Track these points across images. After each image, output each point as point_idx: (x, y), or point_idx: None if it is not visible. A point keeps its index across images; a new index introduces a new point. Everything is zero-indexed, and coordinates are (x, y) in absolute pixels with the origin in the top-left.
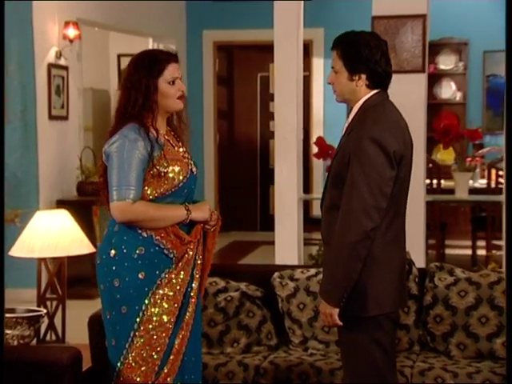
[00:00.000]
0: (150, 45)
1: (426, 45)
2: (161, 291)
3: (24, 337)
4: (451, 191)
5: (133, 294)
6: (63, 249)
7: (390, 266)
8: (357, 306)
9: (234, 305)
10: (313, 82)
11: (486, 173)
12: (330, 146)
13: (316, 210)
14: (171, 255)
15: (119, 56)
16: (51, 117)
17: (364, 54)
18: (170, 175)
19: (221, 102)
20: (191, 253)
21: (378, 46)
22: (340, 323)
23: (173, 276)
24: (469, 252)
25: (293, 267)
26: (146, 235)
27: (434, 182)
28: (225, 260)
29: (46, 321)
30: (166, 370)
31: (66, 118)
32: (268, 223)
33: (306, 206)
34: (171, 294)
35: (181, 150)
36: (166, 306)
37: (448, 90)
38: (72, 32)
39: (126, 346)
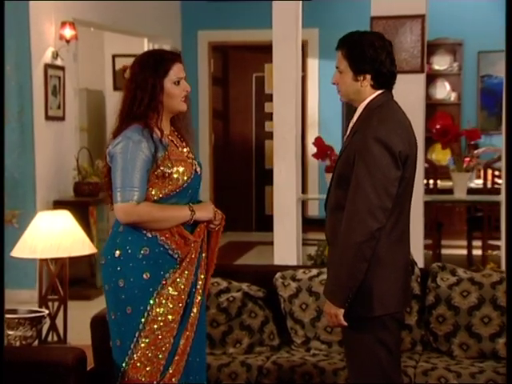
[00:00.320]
0: (145, 45)
1: (425, 45)
2: (165, 291)
3: (26, 337)
4: (447, 191)
5: (137, 295)
6: (65, 250)
7: (394, 266)
8: (362, 306)
9: (236, 305)
10: (308, 82)
11: (481, 173)
12: (329, 147)
13: (312, 211)
14: (176, 255)
15: (114, 56)
16: (48, 117)
17: (369, 54)
18: (175, 176)
19: (216, 102)
20: (195, 252)
21: (383, 46)
22: (345, 324)
23: (177, 276)
24: (464, 252)
25: (295, 267)
26: (150, 235)
27: (431, 182)
28: (220, 260)
29: (47, 322)
30: (170, 371)
31: (62, 118)
32: (263, 224)
33: (302, 206)
34: (176, 293)
35: (185, 150)
36: (171, 305)
37: (443, 91)
38: (68, 32)
39: (131, 346)
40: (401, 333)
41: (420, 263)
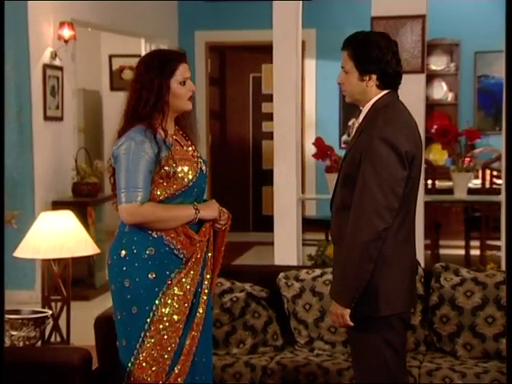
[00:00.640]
0: (143, 45)
1: (425, 45)
2: (171, 291)
3: (30, 338)
4: (445, 191)
5: (143, 295)
6: (68, 250)
7: (401, 266)
8: (368, 306)
9: (239, 305)
10: (305, 82)
11: (479, 173)
12: (329, 147)
13: (309, 211)
14: (181, 255)
15: (111, 57)
16: (46, 118)
17: (375, 54)
18: (180, 175)
19: (213, 102)
20: (200, 252)
21: (389, 46)
22: (351, 324)
23: (183, 276)
24: (461, 252)
25: (298, 268)
26: (156, 236)
27: (429, 182)
28: None
29: (50, 322)
30: (176, 371)
31: (60, 118)
32: (261, 224)
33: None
34: (181, 293)
35: (190, 149)
36: (177, 306)
37: (440, 91)
38: (67, 32)
39: (137, 346)
40: (406, 333)
41: (421, 263)
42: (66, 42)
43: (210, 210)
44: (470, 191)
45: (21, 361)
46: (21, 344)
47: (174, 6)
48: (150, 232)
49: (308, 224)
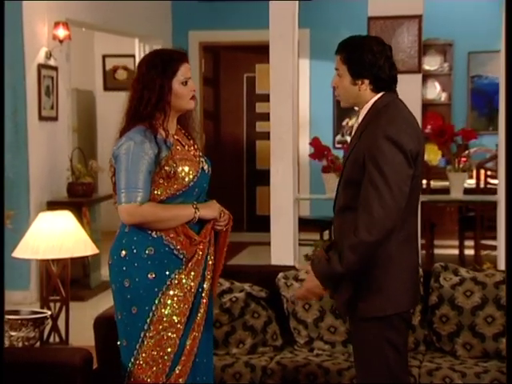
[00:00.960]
0: (136, 45)
1: (421, 45)
2: (171, 292)
3: (29, 338)
4: (439, 191)
5: (143, 295)
6: (67, 250)
7: (404, 264)
8: (373, 306)
9: (239, 305)
10: (299, 82)
11: (473, 173)
12: (326, 147)
13: (303, 211)
14: (181, 256)
15: (104, 56)
16: (41, 118)
17: (367, 59)
18: (180, 175)
19: (207, 102)
20: (201, 253)
21: (382, 51)
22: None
23: (183, 277)
24: (455, 252)
25: (297, 268)
26: (156, 236)
27: (424, 182)
28: None
29: (49, 322)
30: (177, 371)
31: (55, 118)
32: (255, 224)
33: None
34: (181, 294)
35: (191, 148)
36: (176, 306)
37: (433, 91)
38: (62, 32)
39: (137, 346)
40: (408, 332)
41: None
42: (61, 41)
43: (210, 209)
44: (465, 191)
45: (22, 361)
46: (20, 344)
47: (168, 5)
48: (150, 232)
49: (302, 224)
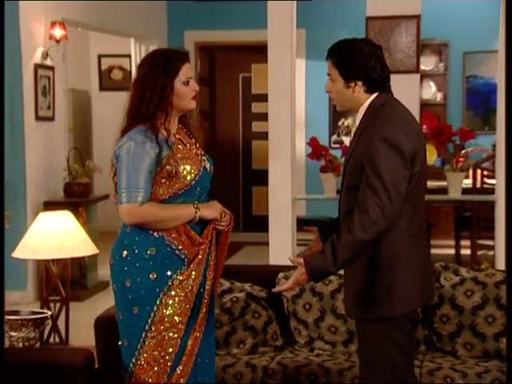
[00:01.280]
0: (132, 45)
1: (420, 45)
2: (172, 292)
3: (29, 339)
4: (436, 191)
5: (144, 295)
6: (67, 250)
7: (412, 263)
8: (382, 307)
9: (239, 306)
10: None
11: (470, 173)
12: (324, 147)
13: (299, 211)
14: (183, 256)
15: (100, 56)
16: (38, 118)
17: (358, 61)
18: (182, 174)
19: (203, 102)
20: (203, 253)
21: (373, 51)
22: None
23: (184, 277)
24: (451, 251)
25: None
26: (157, 236)
27: None
28: None
29: (49, 323)
30: (178, 372)
31: (52, 118)
32: (251, 224)
33: None
34: (183, 295)
35: (194, 147)
36: (178, 306)
37: (428, 91)
38: (59, 32)
39: (138, 346)
40: (414, 332)
41: None
42: (58, 41)
43: (211, 209)
44: (462, 191)
45: (23, 362)
46: (20, 345)
47: (164, 5)
48: (152, 232)
49: (298, 224)
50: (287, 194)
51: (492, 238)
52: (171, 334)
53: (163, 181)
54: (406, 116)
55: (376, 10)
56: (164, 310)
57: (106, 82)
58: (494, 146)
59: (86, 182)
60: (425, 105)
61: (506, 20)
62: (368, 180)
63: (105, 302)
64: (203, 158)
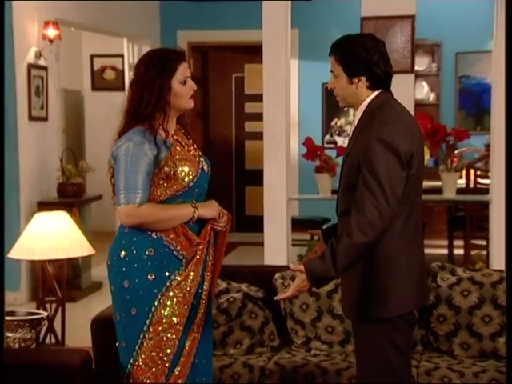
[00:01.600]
0: (125, 45)
1: (414, 45)
2: (170, 293)
3: (25, 340)
4: (429, 191)
5: (142, 296)
6: (64, 251)
7: (409, 264)
8: (378, 308)
9: (236, 306)
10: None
11: (463, 173)
12: (319, 147)
13: (292, 211)
14: (181, 256)
15: (92, 56)
16: (31, 118)
17: (361, 56)
18: (180, 175)
19: (196, 102)
20: (201, 254)
21: (376, 47)
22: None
23: (182, 278)
24: (444, 251)
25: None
26: (155, 236)
27: None
28: None
29: (45, 323)
30: (176, 372)
31: (45, 118)
32: (244, 224)
33: None
34: (181, 295)
35: (191, 148)
36: (176, 307)
37: (421, 91)
38: (52, 32)
39: (136, 347)
40: (412, 333)
41: None
42: (51, 41)
43: (210, 209)
44: (456, 191)
45: (21, 362)
46: (16, 346)
47: (156, 6)
48: (150, 233)
49: (293, 224)
50: (282, 194)
51: (485, 237)
52: (169, 335)
53: (161, 182)
54: (405, 117)
55: (371, 10)
56: (162, 311)
57: (99, 82)
58: (486, 146)
59: (79, 182)
60: (418, 105)
61: (506, 20)
62: (365, 181)
63: (99, 303)
64: (201, 159)
